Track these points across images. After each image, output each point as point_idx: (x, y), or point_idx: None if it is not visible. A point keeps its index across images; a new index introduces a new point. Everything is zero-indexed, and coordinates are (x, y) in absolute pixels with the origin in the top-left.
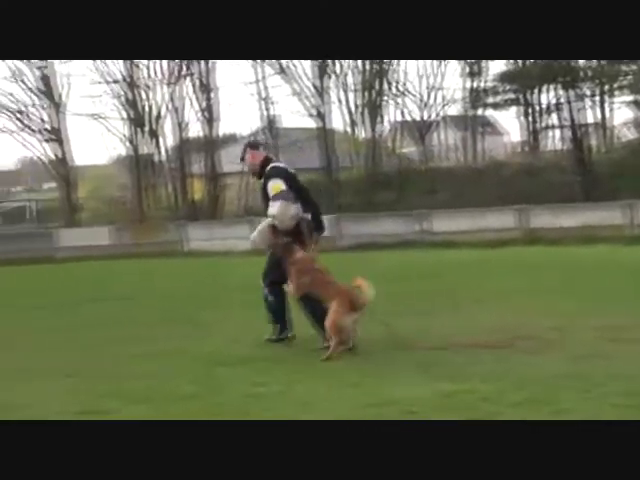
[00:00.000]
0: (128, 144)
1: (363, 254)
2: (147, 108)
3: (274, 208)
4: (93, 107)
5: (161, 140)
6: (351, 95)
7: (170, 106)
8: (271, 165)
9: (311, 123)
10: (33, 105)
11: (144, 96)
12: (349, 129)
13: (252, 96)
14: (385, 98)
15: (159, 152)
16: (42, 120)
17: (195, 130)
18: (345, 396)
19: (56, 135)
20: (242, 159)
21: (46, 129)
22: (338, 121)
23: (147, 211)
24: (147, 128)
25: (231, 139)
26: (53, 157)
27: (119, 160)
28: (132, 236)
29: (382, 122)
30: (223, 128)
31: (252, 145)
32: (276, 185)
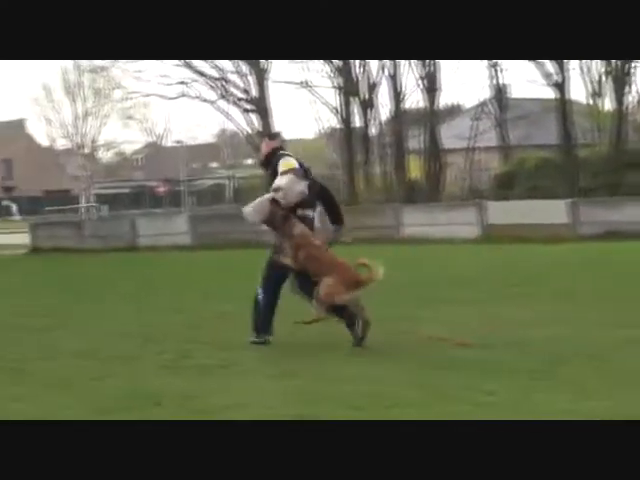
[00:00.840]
0: (339, 116)
1: (606, 244)
2: (361, 76)
3: (282, 180)
4: (301, 74)
5: (375, 111)
6: (594, 61)
7: (386, 73)
8: (282, 155)
9: (547, 93)
10: (235, 72)
11: (357, 62)
12: (591, 100)
13: (479, 62)
14: (634, 64)
15: (373, 125)
16: (244, 89)
17: (414, 100)
18: (593, 410)
19: (259, 105)
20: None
21: (248, 98)
22: (579, 91)
23: (359, 192)
24: (360, 98)
25: (454, 111)
26: (255, 130)
27: (328, 134)
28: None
29: (630, 92)
30: (445, 98)
31: (269, 135)
32: (288, 162)
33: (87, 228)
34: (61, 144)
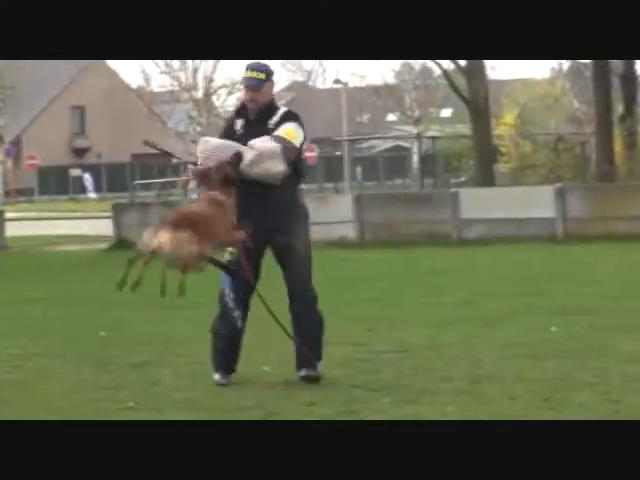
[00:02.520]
0: None
1: None
2: None
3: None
4: None
5: None
6: None
7: None
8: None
9: None
10: None
11: None
12: None
13: None
14: None
15: None
16: None
17: None
18: None
19: None
20: None
21: None
22: None
23: (618, 162)
24: None
25: None
26: (457, 65)
27: (570, 72)
28: (595, 204)
29: None
30: None
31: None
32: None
33: None
34: (160, 85)
